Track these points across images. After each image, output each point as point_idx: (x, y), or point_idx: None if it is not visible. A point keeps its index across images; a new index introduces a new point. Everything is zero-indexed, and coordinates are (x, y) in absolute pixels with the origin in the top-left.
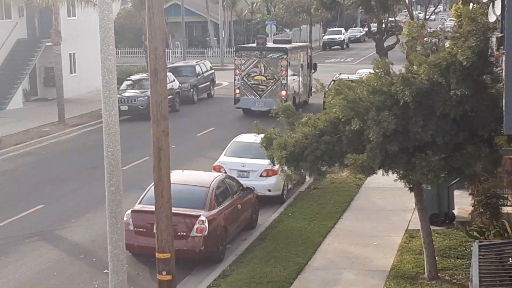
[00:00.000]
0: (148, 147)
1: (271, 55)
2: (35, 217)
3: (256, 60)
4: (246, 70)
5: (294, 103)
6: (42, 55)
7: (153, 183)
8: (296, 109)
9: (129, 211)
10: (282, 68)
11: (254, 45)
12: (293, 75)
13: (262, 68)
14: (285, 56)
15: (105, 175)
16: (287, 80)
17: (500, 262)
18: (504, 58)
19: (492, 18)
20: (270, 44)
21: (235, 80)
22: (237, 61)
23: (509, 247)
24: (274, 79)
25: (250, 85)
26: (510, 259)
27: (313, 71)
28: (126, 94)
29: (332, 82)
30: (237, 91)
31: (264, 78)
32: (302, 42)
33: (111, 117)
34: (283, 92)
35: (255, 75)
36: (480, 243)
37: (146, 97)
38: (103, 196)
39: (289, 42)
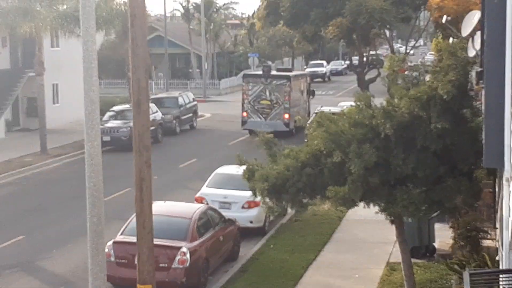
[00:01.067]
0: (130, 178)
1: (275, 81)
2: (16, 247)
3: (262, 86)
4: (252, 95)
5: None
6: (25, 85)
7: (135, 214)
8: (297, 132)
9: (110, 242)
10: (285, 93)
11: (261, 72)
12: (295, 100)
13: (267, 93)
14: (288, 83)
15: (87, 205)
16: (290, 104)
17: None
18: (483, 92)
19: (471, 53)
20: (274, 72)
21: (243, 104)
22: (245, 87)
23: (497, 276)
24: (278, 104)
25: (257, 108)
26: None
27: (311, 97)
28: (109, 125)
29: (314, 115)
30: (244, 114)
31: (269, 103)
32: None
33: (94, 148)
34: (286, 115)
35: (261, 100)
36: (471, 271)
37: (129, 128)
38: (84, 227)
39: (290, 70)
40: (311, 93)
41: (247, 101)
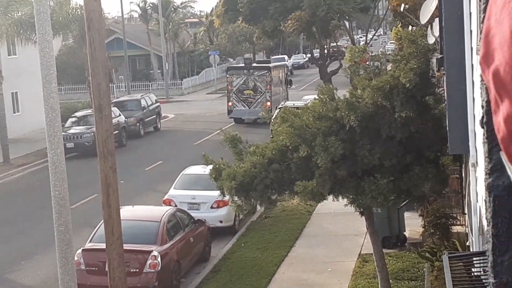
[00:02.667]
0: (96, 184)
1: (257, 72)
2: None
3: (245, 77)
4: (236, 86)
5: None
6: None
7: (103, 221)
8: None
9: (80, 250)
10: (267, 83)
11: (243, 65)
12: (275, 89)
13: (250, 83)
14: (268, 73)
15: (53, 214)
16: (271, 93)
17: (467, 272)
18: (445, 79)
19: (431, 40)
20: (255, 64)
21: (228, 94)
22: (229, 79)
23: (475, 258)
24: (260, 93)
25: (241, 98)
26: (482, 270)
27: (289, 86)
28: (72, 131)
29: (278, 110)
30: (230, 103)
31: (252, 92)
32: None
33: (57, 156)
34: (268, 103)
35: (245, 90)
36: (450, 255)
37: (92, 134)
38: (52, 236)
39: (269, 62)
40: (288, 82)
41: (231, 91)
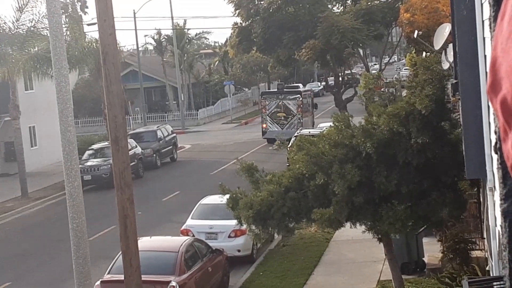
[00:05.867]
0: (114, 216)
1: (289, 96)
2: None
3: (278, 101)
4: (270, 109)
5: None
6: (1, 130)
7: (121, 252)
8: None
9: (98, 282)
10: (298, 106)
11: (276, 90)
12: (305, 111)
13: (283, 107)
14: (300, 97)
15: (72, 247)
16: (302, 115)
17: None
18: (460, 104)
19: (445, 66)
20: (287, 89)
21: (262, 117)
22: (263, 102)
23: (494, 282)
24: (292, 115)
25: (274, 120)
26: None
27: (315, 109)
28: (89, 163)
29: (294, 138)
30: (264, 125)
31: (284, 114)
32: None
33: (74, 188)
34: (299, 125)
35: (278, 113)
36: (469, 280)
37: (109, 165)
38: (71, 269)
39: (298, 87)
40: (314, 106)
41: (265, 114)
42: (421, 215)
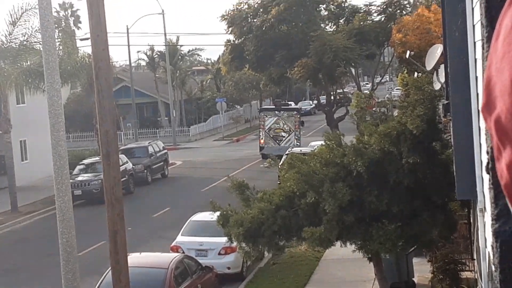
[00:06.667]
0: (104, 231)
1: (287, 113)
2: None
3: (276, 118)
4: (268, 125)
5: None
6: None
7: (110, 268)
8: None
9: None
10: (296, 122)
11: (273, 106)
12: (298, 128)
13: (280, 123)
14: (297, 114)
15: (61, 262)
16: (300, 131)
17: None
18: (451, 125)
19: (437, 86)
20: (284, 106)
21: (260, 132)
22: (261, 119)
23: None
24: (289, 131)
25: (272, 136)
26: None
27: (301, 126)
28: (79, 178)
29: (285, 156)
30: (262, 141)
31: (282, 131)
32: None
33: (65, 203)
34: (296, 142)
35: (275, 129)
36: None
37: (100, 181)
38: (60, 284)
39: (290, 105)
40: (301, 123)
41: (263, 130)
42: (412, 235)
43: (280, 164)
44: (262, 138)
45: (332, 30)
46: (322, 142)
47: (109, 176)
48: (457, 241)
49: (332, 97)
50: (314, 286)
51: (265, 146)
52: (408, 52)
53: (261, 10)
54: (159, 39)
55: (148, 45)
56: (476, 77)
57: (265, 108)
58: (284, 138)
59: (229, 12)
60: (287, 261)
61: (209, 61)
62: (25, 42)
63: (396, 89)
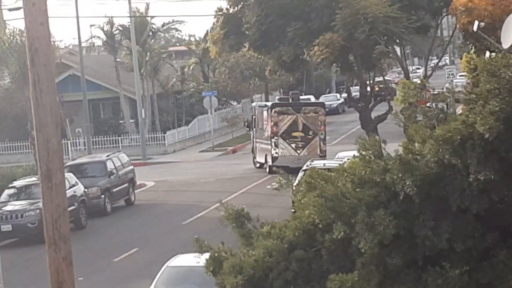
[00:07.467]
0: (44, 282)
1: (308, 109)
2: None
3: (294, 116)
4: (282, 127)
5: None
6: None
7: None
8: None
9: None
10: (320, 123)
11: (290, 101)
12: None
13: (300, 124)
14: (322, 110)
15: None
16: (325, 134)
17: None
18: None
19: None
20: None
21: (271, 138)
22: (274, 118)
23: None
24: (312, 135)
25: (288, 142)
26: None
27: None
28: (9, 208)
29: (302, 173)
30: (275, 149)
31: (302, 134)
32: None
33: None
34: (323, 147)
35: (293, 131)
36: None
37: (38, 211)
38: None
39: (309, 100)
40: None
41: (277, 134)
42: (483, 283)
43: (295, 184)
44: (275, 145)
45: None
46: (355, 153)
47: (51, 204)
48: None
49: (368, 89)
50: None
51: (279, 156)
52: (476, 22)
53: None
54: (121, 8)
55: (106, 17)
56: None
57: (279, 104)
58: (305, 144)
59: None
60: None
61: (192, 39)
62: None
63: (460, 75)
